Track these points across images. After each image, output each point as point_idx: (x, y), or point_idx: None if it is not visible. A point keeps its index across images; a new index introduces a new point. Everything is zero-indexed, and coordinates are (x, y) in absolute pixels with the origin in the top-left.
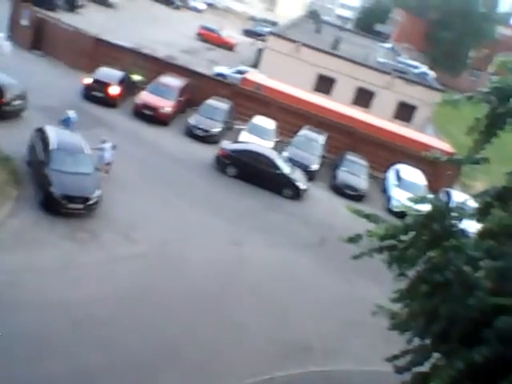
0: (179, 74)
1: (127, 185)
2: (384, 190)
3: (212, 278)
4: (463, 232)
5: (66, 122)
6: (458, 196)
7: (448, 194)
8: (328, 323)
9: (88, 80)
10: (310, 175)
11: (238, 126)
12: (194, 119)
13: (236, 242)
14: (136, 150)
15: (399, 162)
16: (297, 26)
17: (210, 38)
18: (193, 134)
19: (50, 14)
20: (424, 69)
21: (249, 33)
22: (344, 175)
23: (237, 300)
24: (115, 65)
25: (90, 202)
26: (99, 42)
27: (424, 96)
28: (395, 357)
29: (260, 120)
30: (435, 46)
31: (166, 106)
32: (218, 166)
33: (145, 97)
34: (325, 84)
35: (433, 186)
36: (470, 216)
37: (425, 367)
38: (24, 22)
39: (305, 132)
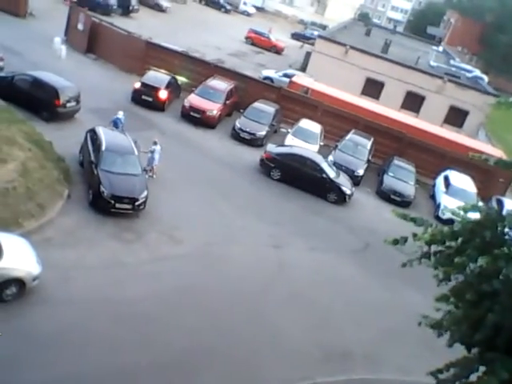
0: (227, 77)
1: (173, 186)
2: (432, 197)
3: (253, 281)
4: None
5: (115, 123)
6: (510, 204)
7: (500, 202)
8: (369, 330)
9: (137, 84)
10: (356, 180)
11: (283, 130)
12: (240, 122)
13: (278, 245)
14: (182, 152)
15: (449, 168)
16: (346, 29)
17: (258, 41)
18: (239, 136)
19: (105, 18)
20: (477, 72)
21: (297, 36)
22: (391, 181)
23: (277, 303)
24: (164, 68)
25: (138, 203)
26: (150, 46)
27: (477, 100)
28: (439, 371)
29: (306, 123)
30: (489, 49)
31: (213, 108)
32: (262, 169)
33: (192, 100)
34: (373, 88)
35: (483, 194)
36: None
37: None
38: (80, 26)
39: (352, 136)
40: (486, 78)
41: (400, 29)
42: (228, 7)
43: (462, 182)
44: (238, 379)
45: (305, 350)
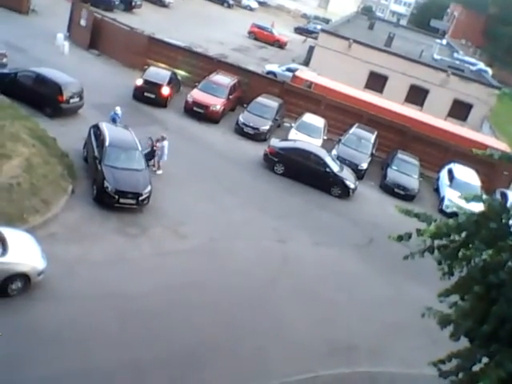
0: (230, 72)
1: (176, 181)
2: (436, 190)
3: (257, 275)
4: None
5: (113, 119)
6: None
7: (504, 195)
8: (373, 323)
9: (139, 81)
10: (360, 174)
11: (287, 124)
12: (243, 117)
13: (282, 239)
14: (186, 147)
15: (453, 162)
16: (349, 23)
17: (261, 35)
18: (242, 131)
19: (107, 14)
20: (481, 65)
21: (300, 30)
22: (394, 174)
23: (281, 297)
24: (166, 63)
25: (142, 198)
26: (153, 41)
27: (481, 94)
28: (441, 361)
29: (309, 118)
30: (493, 42)
31: (217, 103)
32: (266, 164)
33: (196, 95)
34: (377, 81)
35: (488, 187)
36: None
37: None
38: (82, 22)
39: (355, 130)
40: (489, 71)
41: (403, 22)
42: (231, 2)
43: (466, 175)
44: (242, 373)
45: (309, 344)
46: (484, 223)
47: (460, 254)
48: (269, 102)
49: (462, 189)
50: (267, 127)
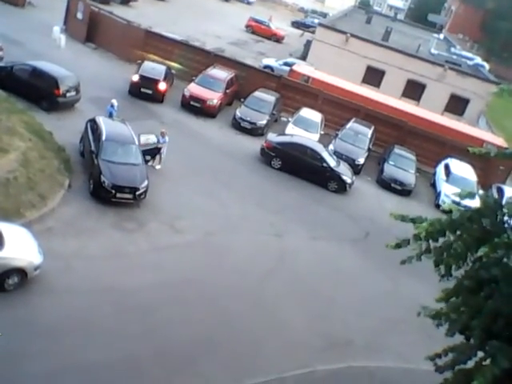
0: (227, 66)
1: (173, 175)
2: (433, 185)
3: (254, 269)
4: None
5: (110, 113)
6: (510, 192)
7: (500, 190)
8: (370, 319)
9: (135, 77)
10: (357, 169)
11: (284, 119)
12: (240, 111)
13: (279, 234)
14: (183, 142)
15: (449, 157)
16: (347, 17)
17: (258, 29)
18: (239, 126)
19: (104, 7)
20: (478, 60)
21: (298, 24)
22: (391, 169)
23: (278, 292)
24: (160, 56)
25: (139, 192)
26: (150, 35)
27: (478, 88)
28: (437, 355)
29: (306, 112)
30: (491, 37)
31: (214, 98)
32: (263, 159)
33: (192, 89)
34: (374, 76)
35: (484, 182)
36: None
37: (467, 365)
38: (79, 15)
39: (352, 125)
40: (486, 66)
41: (401, 16)
42: None
43: (463, 170)
44: (239, 368)
45: (306, 339)
46: (477, 219)
47: (452, 250)
48: (266, 97)
49: (458, 184)
50: (264, 122)
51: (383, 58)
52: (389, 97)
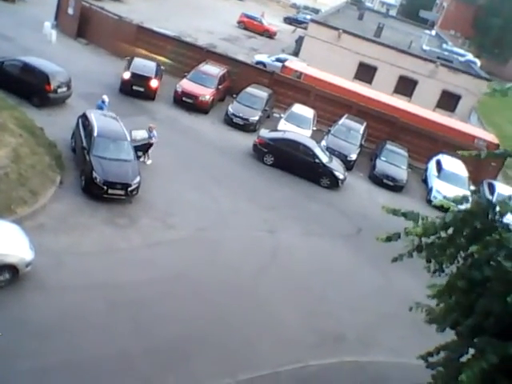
0: (219, 62)
1: (165, 171)
2: (424, 181)
3: (247, 266)
4: (507, 226)
5: (100, 106)
6: (501, 188)
7: (491, 186)
8: (362, 314)
9: (126, 75)
10: (349, 165)
11: (276, 115)
12: (233, 107)
13: (272, 229)
14: (175, 138)
15: (441, 153)
16: (339, 13)
17: (250, 25)
18: (231, 122)
19: (95, 2)
20: (469, 56)
21: (290, 20)
22: (383, 165)
23: (271, 287)
24: (154, 53)
25: (131, 188)
26: (142, 31)
27: (469, 85)
28: (429, 354)
29: (299, 108)
30: (482, 33)
31: (206, 94)
32: (255, 155)
33: (185, 85)
34: (366, 72)
35: (475, 177)
36: None
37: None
38: (70, 10)
39: (344, 121)
40: (478, 62)
41: (393, 12)
42: None
43: (454, 166)
44: (232, 363)
45: (298, 335)
46: (470, 221)
47: (447, 251)
48: (258, 93)
49: (449, 180)
50: (257, 118)
51: (375, 54)
52: (381, 93)
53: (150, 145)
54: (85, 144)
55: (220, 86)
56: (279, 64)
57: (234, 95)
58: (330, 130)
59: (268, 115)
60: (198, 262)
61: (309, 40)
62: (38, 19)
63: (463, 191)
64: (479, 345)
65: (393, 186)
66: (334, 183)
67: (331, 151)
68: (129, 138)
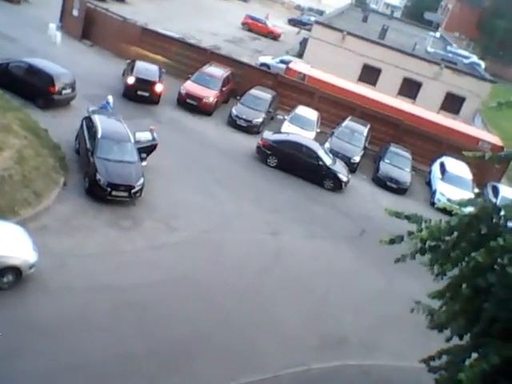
0: (223, 64)
1: (169, 173)
2: (428, 184)
3: (250, 268)
4: None
5: (104, 106)
6: (505, 191)
7: (495, 189)
8: (365, 317)
9: (130, 80)
10: (352, 167)
11: (280, 116)
12: (236, 109)
13: (275, 232)
14: (179, 140)
15: (445, 155)
16: (343, 15)
17: (255, 27)
18: (235, 123)
19: (100, 4)
20: (474, 58)
21: (294, 22)
22: (387, 167)
23: (274, 290)
24: (159, 55)
25: (134, 190)
26: (146, 32)
27: (474, 87)
28: (430, 358)
29: (303, 110)
30: (487, 35)
31: (210, 95)
32: (259, 157)
33: (189, 86)
34: (370, 74)
35: (479, 180)
36: None
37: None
38: (75, 12)
39: (348, 123)
40: (482, 64)
41: (397, 14)
42: None
43: (458, 168)
44: (235, 366)
45: (301, 337)
46: (475, 225)
47: (451, 255)
48: (262, 95)
49: (453, 182)
50: (260, 120)
51: (379, 56)
52: (385, 95)
53: (154, 146)
54: (89, 146)
55: (224, 88)
56: (283, 66)
57: (238, 97)
58: (333, 132)
59: (272, 117)
60: (201, 264)
61: (313, 42)
62: (43, 20)
63: (467, 194)
64: (482, 347)
65: (396, 188)
66: (338, 185)
67: (335, 153)
68: (133, 140)
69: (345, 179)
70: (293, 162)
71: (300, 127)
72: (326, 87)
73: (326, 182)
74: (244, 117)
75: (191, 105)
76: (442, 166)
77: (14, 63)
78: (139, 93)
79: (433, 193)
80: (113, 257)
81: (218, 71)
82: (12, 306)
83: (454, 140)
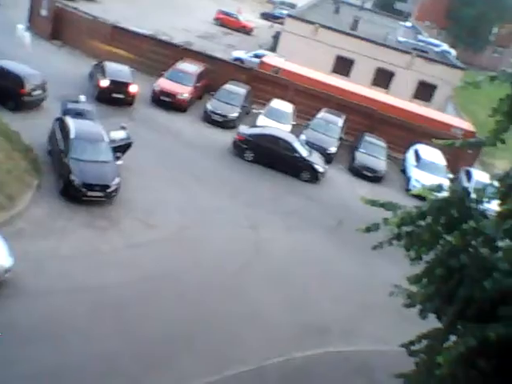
0: (196, 60)
1: (145, 171)
2: (403, 171)
3: (230, 262)
4: (484, 213)
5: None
6: (478, 175)
7: (468, 174)
8: (345, 305)
9: (104, 82)
10: (329, 158)
11: (255, 110)
12: (211, 104)
13: (254, 225)
14: (154, 137)
15: (418, 143)
16: (315, 8)
17: (227, 22)
18: (210, 119)
19: (70, 3)
20: (445, 47)
21: (267, 16)
22: (362, 157)
23: (254, 283)
24: (130, 52)
25: (110, 190)
26: (117, 30)
27: (445, 75)
28: (411, 342)
29: (277, 103)
30: (457, 23)
31: (184, 92)
32: (235, 151)
33: (162, 83)
34: (343, 65)
35: (453, 166)
36: (491, 198)
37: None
38: (43, 12)
39: (323, 114)
40: (453, 52)
41: (368, 5)
42: None
43: (432, 155)
44: (218, 360)
45: (282, 328)
46: (446, 209)
47: (425, 238)
48: (236, 89)
49: (428, 169)
50: (235, 114)
51: (352, 47)
52: (359, 85)
53: (129, 145)
54: (62, 147)
55: (198, 84)
56: (257, 60)
57: (212, 93)
58: (308, 124)
59: (247, 111)
60: (180, 261)
61: (286, 35)
62: (11, 22)
63: (442, 180)
64: (460, 330)
65: (372, 177)
66: (314, 177)
67: (311, 145)
68: (107, 139)
69: (321, 170)
70: (269, 156)
71: (275, 120)
72: (301, 80)
73: (302, 174)
74: (219, 112)
75: (165, 102)
76: (416, 153)
77: None
78: (114, 95)
79: (408, 180)
80: (91, 257)
81: (191, 67)
82: None
83: (427, 127)
